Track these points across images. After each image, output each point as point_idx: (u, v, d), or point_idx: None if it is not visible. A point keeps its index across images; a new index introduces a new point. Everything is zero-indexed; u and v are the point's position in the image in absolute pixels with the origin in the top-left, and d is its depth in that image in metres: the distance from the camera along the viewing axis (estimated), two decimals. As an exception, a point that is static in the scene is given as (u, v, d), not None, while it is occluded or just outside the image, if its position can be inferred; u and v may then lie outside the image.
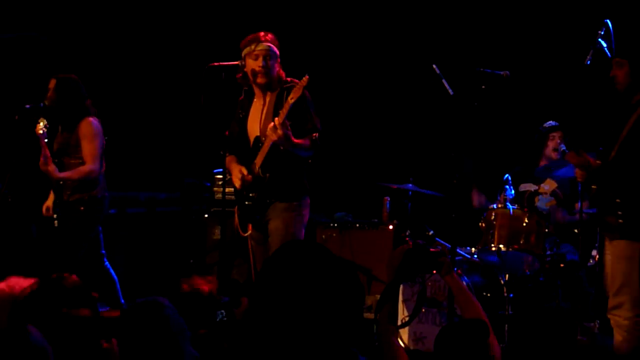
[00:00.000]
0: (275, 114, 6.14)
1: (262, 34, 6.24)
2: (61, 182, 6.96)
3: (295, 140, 6.05)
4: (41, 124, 6.88)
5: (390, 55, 9.04)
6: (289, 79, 6.27)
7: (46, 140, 6.92)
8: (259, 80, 6.23)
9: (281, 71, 6.30)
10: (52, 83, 7.04)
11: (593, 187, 5.90)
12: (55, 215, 7.05)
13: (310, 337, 2.98)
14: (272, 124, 6.01)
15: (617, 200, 5.66)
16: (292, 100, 5.99)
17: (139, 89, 9.46)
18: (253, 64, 6.20)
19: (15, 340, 3.26)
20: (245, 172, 6.30)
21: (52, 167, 6.84)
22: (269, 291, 2.96)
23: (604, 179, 5.78)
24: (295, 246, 3.25)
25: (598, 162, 5.79)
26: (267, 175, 6.23)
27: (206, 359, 3.57)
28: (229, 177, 6.83)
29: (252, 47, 6.22)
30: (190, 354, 3.38)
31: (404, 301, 6.97)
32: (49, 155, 6.85)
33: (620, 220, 5.60)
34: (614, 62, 5.85)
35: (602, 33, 6.44)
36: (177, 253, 8.50)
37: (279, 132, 5.92)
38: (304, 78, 6.02)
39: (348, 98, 8.84)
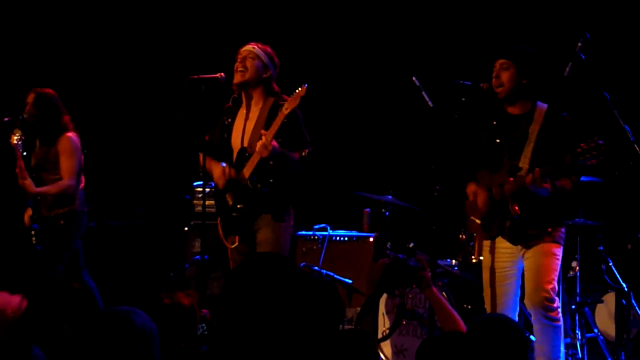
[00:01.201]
0: (267, 125, 6.18)
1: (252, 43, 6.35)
2: (39, 197, 6.97)
3: (288, 153, 6.12)
4: (16, 135, 6.96)
5: (370, 66, 9.15)
6: (284, 95, 6.27)
7: (24, 153, 6.95)
8: (235, 79, 6.26)
9: (274, 84, 6.33)
10: (31, 97, 7.08)
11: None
12: (33, 232, 7.00)
13: (277, 347, 3.00)
14: (261, 141, 6.01)
15: (536, 213, 5.80)
16: (287, 111, 6.08)
17: (119, 102, 9.53)
18: (236, 64, 6.26)
19: (17, 355, 3.35)
20: (227, 169, 6.33)
21: (28, 182, 6.90)
22: (232, 302, 3.02)
23: (522, 196, 5.79)
24: (259, 259, 3.30)
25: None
26: (259, 186, 6.25)
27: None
28: (206, 190, 6.86)
29: (240, 50, 6.29)
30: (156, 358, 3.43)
31: (385, 313, 7.01)
32: (24, 168, 6.87)
33: (549, 229, 5.78)
34: (499, 64, 5.86)
35: (581, 45, 6.41)
36: (157, 266, 8.55)
37: (269, 147, 5.97)
38: (302, 87, 6.09)
39: (327, 109, 8.87)
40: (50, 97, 7.10)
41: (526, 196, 5.79)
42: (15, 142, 6.91)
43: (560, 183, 5.78)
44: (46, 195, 7.01)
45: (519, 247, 5.90)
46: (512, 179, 5.80)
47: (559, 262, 5.88)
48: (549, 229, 5.85)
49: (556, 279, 5.83)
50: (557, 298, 5.80)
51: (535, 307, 5.66)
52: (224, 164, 6.44)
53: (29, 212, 7.10)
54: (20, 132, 6.98)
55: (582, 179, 6.70)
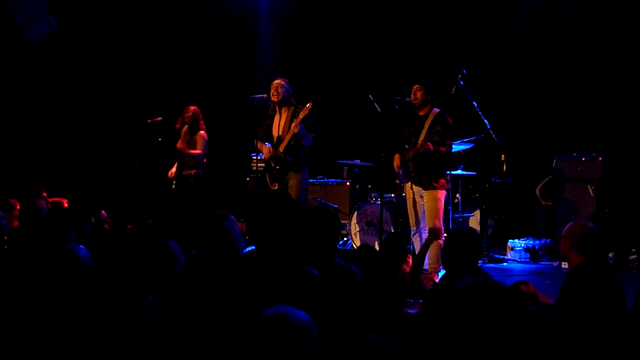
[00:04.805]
0: (290, 122, 6.23)
1: (279, 78, 6.40)
2: (184, 161, 7.04)
3: (307, 134, 6.22)
4: (185, 128, 7.08)
5: (353, 90, 8.53)
6: (299, 105, 6.32)
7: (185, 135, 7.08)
8: (273, 99, 6.28)
9: (292, 98, 6.35)
10: (185, 111, 7.18)
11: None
12: (174, 182, 7.10)
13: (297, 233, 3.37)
14: (294, 123, 6.13)
15: (426, 168, 5.83)
16: (303, 115, 6.17)
17: (218, 114, 8.62)
18: (272, 91, 6.31)
19: (63, 258, 2.89)
20: (270, 148, 6.37)
21: (182, 145, 7.04)
22: (263, 210, 3.57)
23: (416, 157, 5.84)
24: (275, 193, 3.70)
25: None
26: (287, 156, 6.31)
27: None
28: (258, 159, 6.86)
29: (273, 83, 6.37)
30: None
31: (355, 234, 7.28)
32: (182, 141, 7.04)
33: (435, 181, 5.84)
34: (415, 88, 5.87)
35: (460, 76, 6.57)
36: (234, 196, 8.47)
37: (299, 127, 6.14)
38: (309, 104, 6.15)
39: (325, 113, 7.81)
40: (196, 111, 7.17)
41: (417, 157, 5.85)
42: (184, 130, 7.01)
43: (439, 148, 5.79)
44: (188, 156, 7.00)
45: (420, 188, 5.93)
46: (412, 148, 5.89)
47: (443, 203, 5.83)
48: (435, 181, 5.83)
49: (441, 213, 5.80)
50: (441, 225, 5.79)
51: (429, 230, 5.55)
52: (268, 145, 6.46)
53: (173, 168, 7.14)
54: (186, 127, 7.07)
55: (460, 146, 6.84)
